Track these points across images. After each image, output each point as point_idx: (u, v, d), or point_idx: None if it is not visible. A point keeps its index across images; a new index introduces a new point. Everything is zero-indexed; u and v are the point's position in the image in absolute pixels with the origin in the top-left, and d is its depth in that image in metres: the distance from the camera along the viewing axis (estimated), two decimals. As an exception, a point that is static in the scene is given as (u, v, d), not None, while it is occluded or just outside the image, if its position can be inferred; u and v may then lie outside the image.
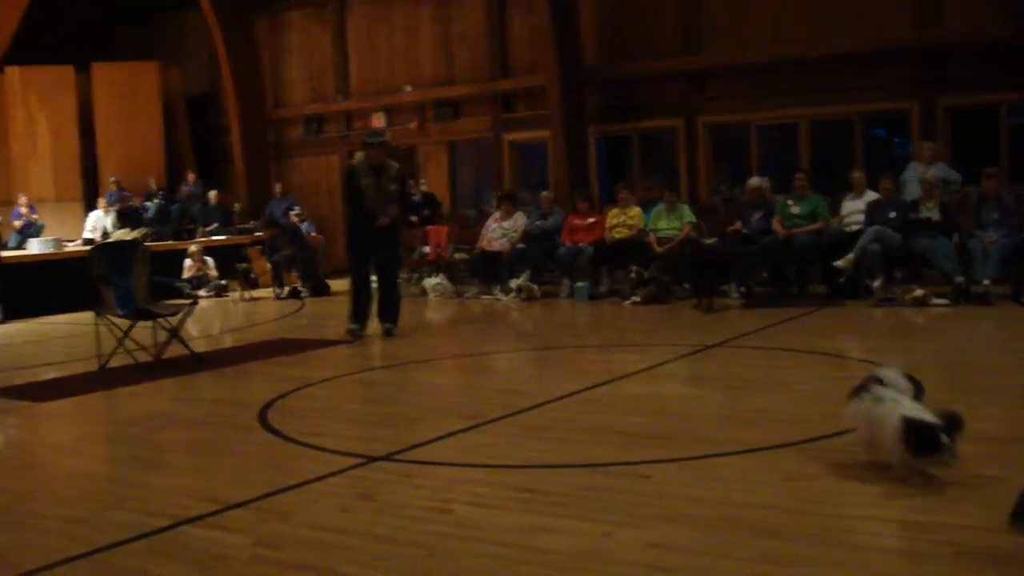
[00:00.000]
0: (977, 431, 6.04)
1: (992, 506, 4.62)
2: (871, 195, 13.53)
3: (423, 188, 19.18)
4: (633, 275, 13.97)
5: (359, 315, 11.46)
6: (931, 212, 12.90)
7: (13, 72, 21.50)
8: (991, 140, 15.60)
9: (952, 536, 4.27)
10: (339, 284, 16.01)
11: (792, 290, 13.59)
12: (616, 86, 18.12)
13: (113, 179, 21.26)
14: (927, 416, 4.84)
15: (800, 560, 4.08)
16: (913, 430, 4.74)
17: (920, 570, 3.93)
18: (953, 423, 4.82)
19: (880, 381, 5.12)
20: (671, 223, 14.42)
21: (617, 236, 14.84)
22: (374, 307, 11.70)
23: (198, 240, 18.86)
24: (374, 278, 11.71)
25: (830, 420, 6.35)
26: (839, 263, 12.75)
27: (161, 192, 21.29)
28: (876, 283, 12.61)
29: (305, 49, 22.40)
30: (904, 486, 4.86)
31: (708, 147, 17.68)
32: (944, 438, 4.71)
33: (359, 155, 11.67)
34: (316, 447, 6.52)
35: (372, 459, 6.09)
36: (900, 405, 4.95)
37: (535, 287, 14.87)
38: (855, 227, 13.29)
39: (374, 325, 11.74)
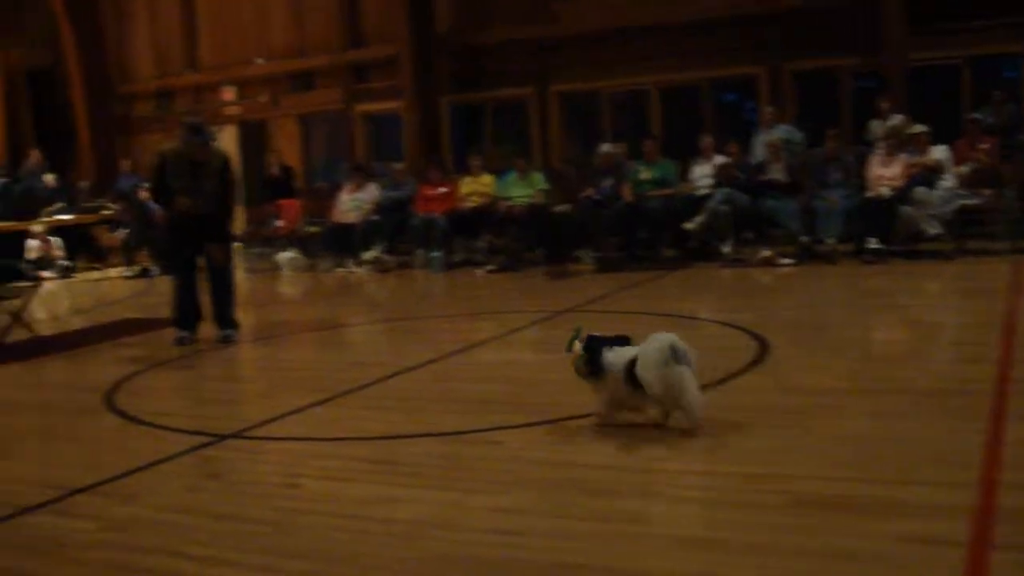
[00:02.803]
0: (819, 385, 6.25)
1: (827, 455, 4.77)
2: (720, 159, 13.79)
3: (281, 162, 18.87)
4: (485, 244, 14.02)
5: (185, 320, 9.60)
6: (777, 174, 13.18)
7: None
8: (835, 102, 16.03)
9: (784, 485, 4.40)
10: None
11: (643, 254, 13.77)
12: (469, 55, 18.09)
13: (-47, 157, 20.55)
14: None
15: (631, 517, 4.16)
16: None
17: (750, 520, 4.02)
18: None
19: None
20: (524, 190, 14.49)
21: (471, 205, 14.87)
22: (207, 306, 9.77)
23: (42, 220, 18.23)
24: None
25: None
26: (689, 225, 12.97)
27: (2, 171, 20.57)
28: (725, 246, 12.86)
29: (151, 21, 21.84)
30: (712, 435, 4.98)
31: (560, 114, 17.77)
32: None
33: (168, 146, 9.74)
34: (164, 427, 6.40)
35: (221, 437, 6.01)
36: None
37: (389, 258, 14.81)
38: (704, 191, 13.53)
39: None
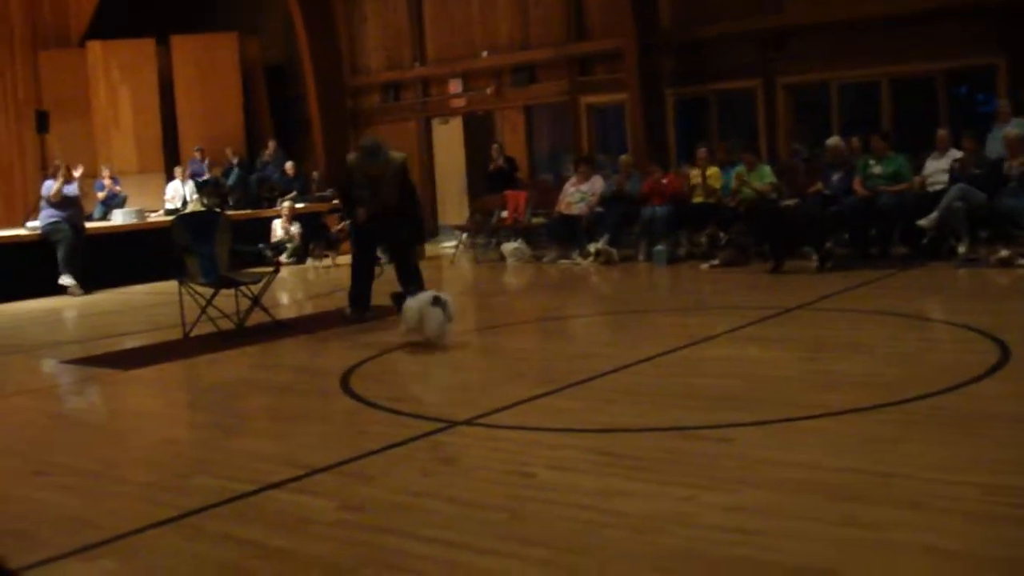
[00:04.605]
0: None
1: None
2: (955, 153, 13.28)
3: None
4: (709, 238, 13.87)
5: (354, 301, 10.69)
6: (1017, 170, 12.59)
7: (95, 46, 21.79)
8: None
9: (1035, 500, 4.21)
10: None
11: (873, 251, 13.38)
12: (693, 47, 17.91)
13: (197, 148, 21.50)
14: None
15: (881, 524, 4.04)
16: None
17: (1001, 534, 3.87)
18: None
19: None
20: (751, 184, 14.25)
21: (697, 199, 14.76)
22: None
23: (287, 204, 18.79)
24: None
25: (912, 383, 6.30)
26: (922, 222, 12.52)
27: (239, 160, 21.46)
28: (961, 244, 12.36)
29: (381, 16, 22.39)
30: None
31: (787, 107, 17.43)
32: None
33: (354, 156, 10.91)
34: (397, 412, 6.58)
35: (452, 423, 6.13)
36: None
37: (613, 251, 14.78)
38: (938, 187, 13.05)
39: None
